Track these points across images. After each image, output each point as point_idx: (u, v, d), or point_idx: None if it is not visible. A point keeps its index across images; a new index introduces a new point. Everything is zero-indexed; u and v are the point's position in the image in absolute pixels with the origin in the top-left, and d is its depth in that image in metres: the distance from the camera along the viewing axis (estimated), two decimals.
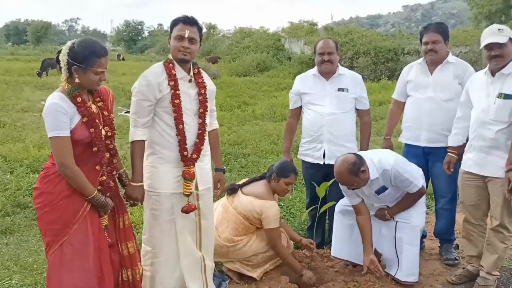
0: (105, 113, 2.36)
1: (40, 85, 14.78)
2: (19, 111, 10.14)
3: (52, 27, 68.83)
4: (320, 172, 3.46)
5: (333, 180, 3.22)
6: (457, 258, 3.45)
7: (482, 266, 3.04)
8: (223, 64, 21.87)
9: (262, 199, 3.09)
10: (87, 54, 2.18)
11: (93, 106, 2.31)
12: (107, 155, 2.34)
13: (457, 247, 3.56)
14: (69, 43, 2.25)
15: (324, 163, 3.41)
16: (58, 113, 2.14)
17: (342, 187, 3.14)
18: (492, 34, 2.85)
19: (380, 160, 3.03)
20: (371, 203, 3.21)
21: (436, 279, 3.23)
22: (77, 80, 2.21)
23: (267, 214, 3.03)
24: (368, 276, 3.17)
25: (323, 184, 3.25)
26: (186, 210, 2.59)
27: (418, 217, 3.15)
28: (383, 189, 3.07)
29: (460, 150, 3.14)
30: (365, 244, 3.10)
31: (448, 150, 3.19)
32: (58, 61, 2.25)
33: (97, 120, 2.27)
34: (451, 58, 3.39)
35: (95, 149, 2.25)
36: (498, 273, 3.12)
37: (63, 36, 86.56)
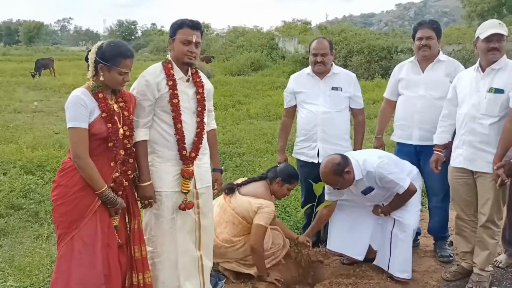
0: (126, 113, 2.43)
1: (33, 85, 14.70)
2: (12, 112, 10.08)
3: (44, 27, 68.29)
4: (314, 171, 3.45)
5: None
6: (452, 255, 3.47)
7: (475, 263, 3.07)
8: (217, 63, 21.84)
9: (260, 198, 3.11)
10: (113, 54, 2.31)
11: (115, 106, 2.40)
12: (122, 152, 2.39)
13: (451, 244, 3.59)
14: (99, 43, 2.38)
15: (318, 161, 3.42)
16: (78, 105, 2.24)
17: (327, 185, 3.19)
18: (493, 26, 2.88)
19: (364, 161, 3.06)
20: (362, 202, 3.24)
21: (431, 276, 3.24)
22: (101, 78, 2.32)
23: (262, 211, 3.05)
24: (365, 274, 3.20)
25: (320, 183, 3.26)
26: (184, 207, 2.62)
27: (411, 216, 3.17)
28: (369, 189, 3.09)
29: (445, 148, 3.18)
30: (312, 228, 3.36)
31: (434, 148, 3.21)
32: (87, 59, 2.37)
33: (115, 117, 2.36)
34: (442, 56, 3.41)
35: (110, 144, 2.32)
36: (492, 269, 3.16)
37: (55, 36, 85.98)
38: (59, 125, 8.69)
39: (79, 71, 18.35)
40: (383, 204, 3.21)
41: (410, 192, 3.10)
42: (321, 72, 3.43)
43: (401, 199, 3.13)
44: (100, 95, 2.30)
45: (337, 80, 3.46)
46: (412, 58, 3.53)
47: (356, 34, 19.53)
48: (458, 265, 3.28)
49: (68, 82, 14.78)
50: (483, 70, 2.94)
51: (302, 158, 3.55)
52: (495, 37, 2.84)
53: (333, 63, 3.50)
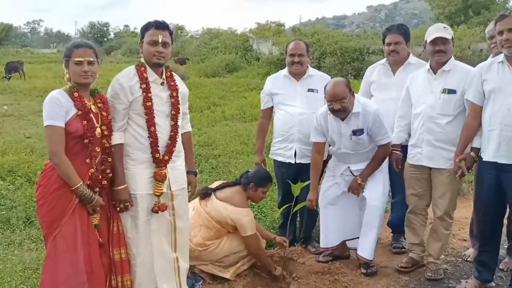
0: (104, 113, 2.48)
1: (2, 89, 14.31)
2: None
3: (13, 29, 66.20)
4: (291, 171, 3.53)
5: (308, 182, 3.33)
6: (404, 246, 3.64)
7: (430, 254, 3.25)
8: (192, 65, 21.73)
9: (237, 206, 3.14)
10: (68, 48, 2.43)
11: (93, 107, 2.46)
12: (98, 149, 2.42)
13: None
14: None
15: (295, 162, 3.49)
16: (54, 104, 2.32)
17: (319, 120, 3.25)
18: (438, 30, 3.07)
19: (365, 102, 3.23)
20: (342, 146, 3.25)
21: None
22: (67, 75, 2.41)
23: (242, 221, 3.09)
24: (339, 271, 3.29)
25: (299, 184, 3.31)
26: (157, 210, 2.64)
27: (382, 198, 3.29)
28: (360, 131, 3.16)
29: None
30: (313, 183, 3.37)
31: (392, 148, 3.33)
32: None
33: (92, 116, 2.41)
34: (412, 59, 3.54)
35: (86, 141, 2.36)
36: (443, 256, 3.41)
37: (25, 38, 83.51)
38: (30, 129, 8.50)
39: (50, 74, 17.97)
40: (355, 167, 3.29)
41: (387, 149, 3.23)
42: (298, 73, 3.50)
43: (378, 159, 3.23)
44: (76, 94, 2.37)
45: (313, 82, 3.54)
46: (383, 61, 3.65)
47: (329, 36, 19.79)
48: (407, 256, 3.44)
49: (39, 85, 14.43)
50: (434, 72, 3.10)
51: (279, 158, 3.60)
52: (440, 40, 3.02)
53: (308, 65, 3.58)
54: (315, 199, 3.36)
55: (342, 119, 3.16)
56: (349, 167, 3.31)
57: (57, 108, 2.30)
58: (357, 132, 3.16)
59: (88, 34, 55.46)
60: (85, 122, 2.35)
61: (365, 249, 3.26)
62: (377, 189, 3.27)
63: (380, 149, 3.22)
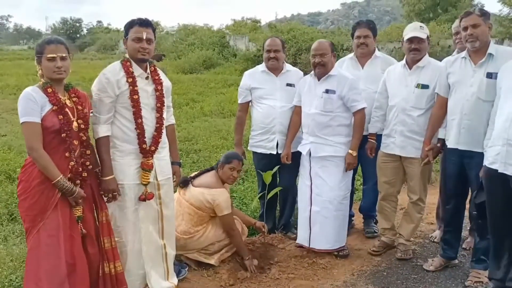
0: (79, 107, 2.52)
1: None
2: None
3: None
4: (273, 162, 3.69)
5: (277, 167, 3.52)
6: (376, 231, 3.89)
7: (401, 235, 3.49)
8: (169, 61, 21.56)
9: (211, 188, 3.28)
10: (40, 44, 2.46)
11: (68, 101, 2.49)
12: (76, 142, 2.47)
13: (376, 222, 3.96)
14: None
15: (277, 152, 3.66)
16: (28, 101, 2.36)
17: (301, 84, 3.56)
18: (414, 29, 3.28)
19: (343, 71, 3.47)
20: (312, 104, 3.44)
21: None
22: (40, 72, 2.44)
23: (218, 201, 3.22)
24: (317, 254, 3.48)
25: (268, 172, 3.50)
26: (144, 198, 2.77)
27: (332, 192, 3.43)
28: (332, 91, 3.36)
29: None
30: (288, 140, 3.61)
31: (368, 136, 3.56)
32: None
33: (67, 110, 2.46)
34: (377, 53, 3.78)
35: (63, 135, 2.41)
36: (413, 239, 3.64)
37: None
38: (5, 127, 8.36)
39: (22, 71, 17.51)
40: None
41: (363, 114, 3.40)
42: (275, 68, 3.67)
43: (359, 124, 3.39)
44: (49, 89, 2.41)
45: (290, 77, 3.72)
46: (351, 55, 3.87)
47: (304, 33, 19.93)
48: (379, 240, 3.68)
49: (11, 82, 14.08)
50: (410, 68, 3.31)
51: (260, 150, 3.75)
52: (416, 39, 3.23)
53: (284, 61, 3.75)
54: (286, 155, 3.58)
55: (319, 78, 3.40)
56: (310, 149, 3.44)
57: (32, 104, 2.34)
58: (329, 91, 3.36)
59: (60, 31, 53.96)
60: (61, 117, 2.40)
61: (319, 241, 3.45)
62: (328, 184, 3.43)
63: (357, 116, 3.39)
